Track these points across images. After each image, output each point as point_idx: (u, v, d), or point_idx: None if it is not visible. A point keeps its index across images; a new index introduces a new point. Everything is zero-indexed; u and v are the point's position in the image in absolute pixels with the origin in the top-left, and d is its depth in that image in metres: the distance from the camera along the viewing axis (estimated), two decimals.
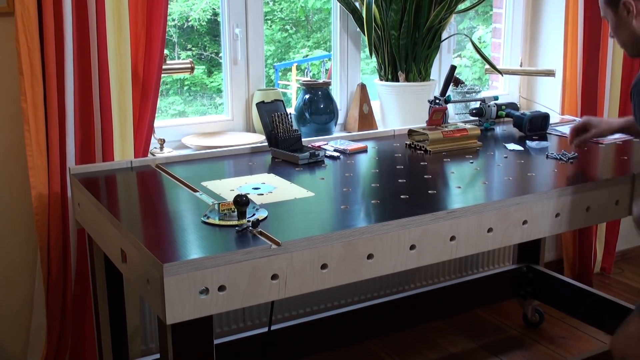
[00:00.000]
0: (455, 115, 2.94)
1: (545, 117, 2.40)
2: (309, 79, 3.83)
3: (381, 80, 2.69)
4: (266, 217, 1.48)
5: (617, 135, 2.32)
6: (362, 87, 2.70)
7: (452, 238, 1.55)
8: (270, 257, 1.32)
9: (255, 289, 1.32)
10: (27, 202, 2.01)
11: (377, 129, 2.68)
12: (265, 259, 1.31)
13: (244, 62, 2.50)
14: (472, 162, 2.01)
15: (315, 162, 1.99)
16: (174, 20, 3.85)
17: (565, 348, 2.67)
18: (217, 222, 1.43)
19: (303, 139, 2.12)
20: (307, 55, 4.48)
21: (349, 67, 2.74)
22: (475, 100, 2.64)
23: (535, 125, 2.37)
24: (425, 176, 1.86)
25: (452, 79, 2.40)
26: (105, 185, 1.81)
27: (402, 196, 1.66)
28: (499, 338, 2.76)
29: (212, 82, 4.30)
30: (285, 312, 2.57)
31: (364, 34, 2.54)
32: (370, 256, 1.44)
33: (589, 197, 1.77)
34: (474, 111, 2.49)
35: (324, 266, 1.38)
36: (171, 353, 1.34)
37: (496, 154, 2.13)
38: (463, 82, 2.83)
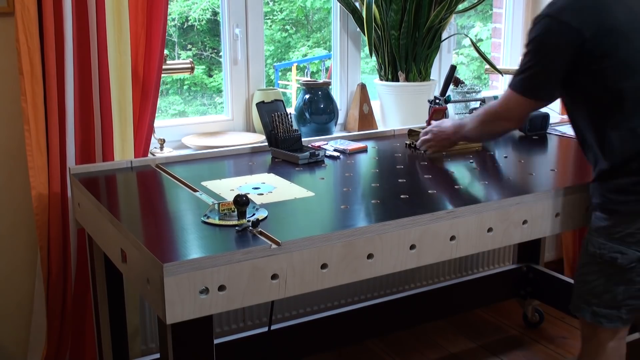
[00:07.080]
0: (455, 115, 2.93)
1: (545, 117, 2.40)
2: (308, 78, 3.83)
3: (381, 80, 2.69)
4: (266, 217, 1.47)
5: None
6: (362, 87, 2.70)
7: (452, 238, 1.55)
8: (270, 257, 1.32)
9: (255, 288, 1.32)
10: (27, 202, 2.01)
11: (377, 128, 2.68)
12: (265, 258, 1.31)
13: (244, 62, 2.50)
14: (472, 162, 2.01)
15: (315, 162, 1.99)
16: (173, 20, 3.85)
17: (565, 348, 2.67)
18: (217, 222, 1.43)
19: (303, 139, 2.12)
20: (305, 54, 4.48)
21: (349, 67, 2.74)
22: (475, 100, 2.64)
23: (535, 125, 2.37)
24: (425, 176, 1.86)
25: (452, 78, 2.40)
26: (105, 185, 1.81)
27: (402, 196, 1.66)
28: (499, 338, 2.76)
29: (212, 82, 4.31)
30: (285, 312, 2.57)
31: (364, 34, 2.54)
32: (370, 256, 1.44)
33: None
34: (473, 111, 2.48)
35: (324, 266, 1.38)
36: (171, 353, 1.34)
37: (496, 154, 2.13)
38: (463, 82, 2.83)
